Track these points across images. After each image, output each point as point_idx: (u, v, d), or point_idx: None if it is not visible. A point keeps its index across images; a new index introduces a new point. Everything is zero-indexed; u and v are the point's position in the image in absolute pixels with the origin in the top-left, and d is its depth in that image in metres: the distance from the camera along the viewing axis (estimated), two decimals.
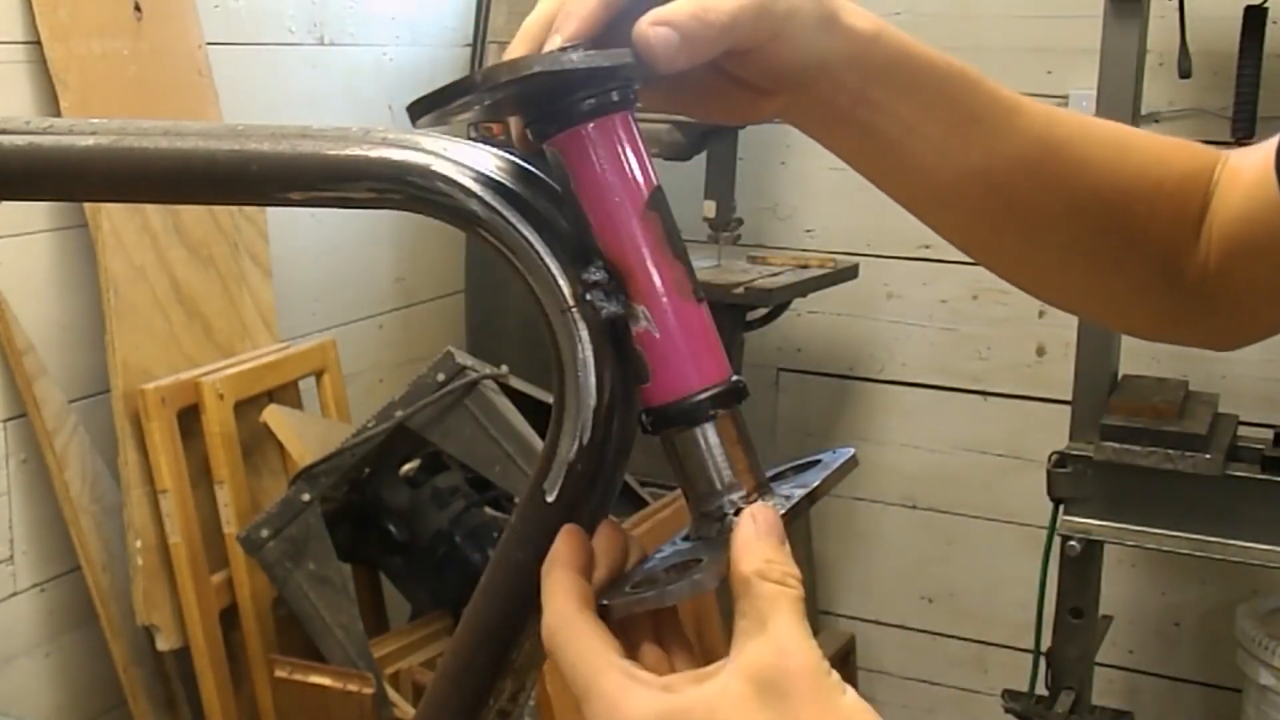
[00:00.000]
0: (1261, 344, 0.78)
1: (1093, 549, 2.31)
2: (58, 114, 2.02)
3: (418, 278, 2.91)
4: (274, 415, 2.28)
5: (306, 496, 2.13)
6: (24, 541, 2.09)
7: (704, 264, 2.62)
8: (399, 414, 2.11)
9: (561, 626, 0.53)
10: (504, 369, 2.17)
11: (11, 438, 2.05)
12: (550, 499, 0.57)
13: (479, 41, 2.90)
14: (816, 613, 3.03)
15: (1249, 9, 2.42)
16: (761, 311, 2.61)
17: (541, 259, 0.56)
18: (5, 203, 0.70)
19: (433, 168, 0.57)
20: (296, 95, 2.56)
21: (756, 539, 0.52)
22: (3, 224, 2.02)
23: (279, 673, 2.13)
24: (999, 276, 0.78)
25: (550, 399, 0.58)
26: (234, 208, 2.29)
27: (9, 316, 2.00)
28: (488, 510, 2.37)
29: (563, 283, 0.56)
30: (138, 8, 2.16)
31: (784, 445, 2.98)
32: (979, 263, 0.77)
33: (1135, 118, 2.26)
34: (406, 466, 2.36)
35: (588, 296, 0.56)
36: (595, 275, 0.56)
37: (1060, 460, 2.26)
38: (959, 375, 2.92)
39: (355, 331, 2.73)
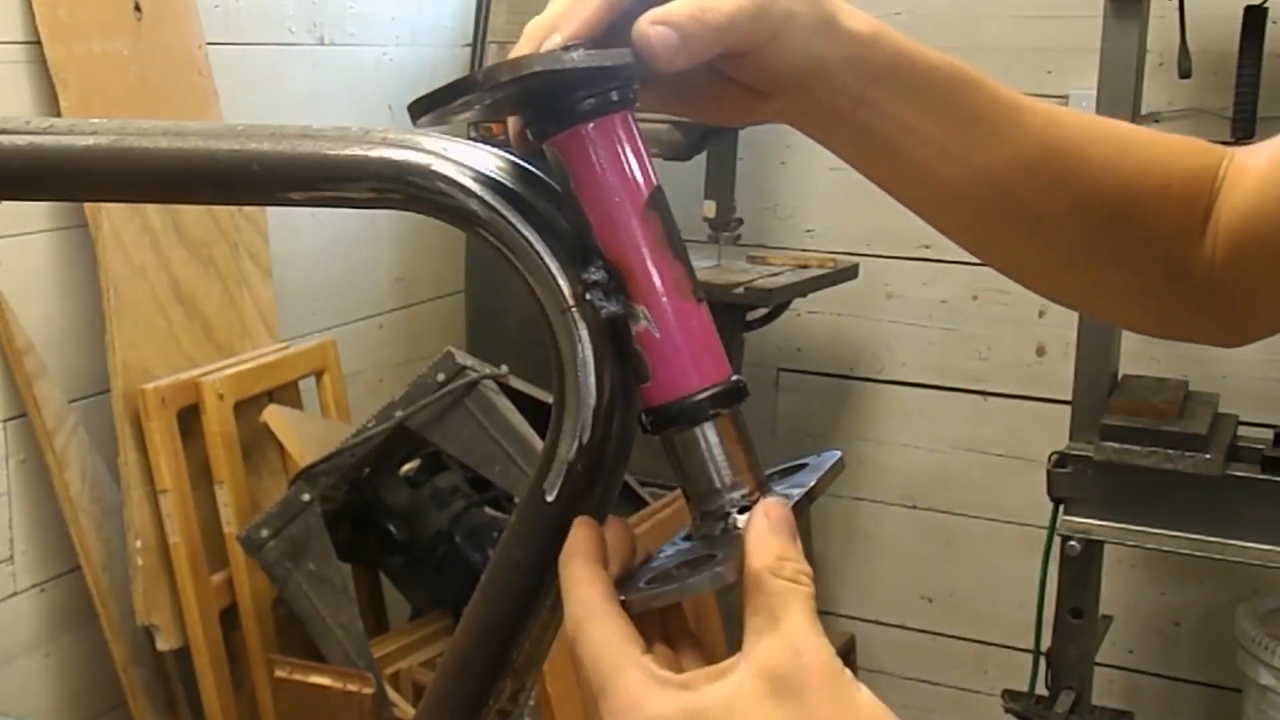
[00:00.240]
0: (1262, 344, 0.78)
1: (1093, 549, 2.31)
2: (58, 114, 2.02)
3: (418, 277, 2.91)
4: (274, 415, 2.29)
5: (306, 496, 2.13)
6: (24, 541, 2.09)
7: (704, 264, 2.62)
8: (399, 414, 2.11)
9: (588, 615, 0.53)
10: (504, 369, 2.17)
11: (11, 438, 2.05)
12: (550, 499, 0.57)
13: (479, 41, 2.90)
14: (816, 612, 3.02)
15: (1249, 9, 2.42)
16: (761, 311, 2.61)
17: (541, 259, 0.56)
18: (5, 203, 0.70)
19: (433, 167, 0.57)
20: (296, 95, 2.55)
21: (770, 534, 0.52)
22: (3, 224, 2.02)
23: (279, 673, 2.13)
24: (1003, 275, 0.78)
25: (550, 399, 0.58)
26: (234, 208, 2.29)
27: (9, 316, 1.99)
28: (488, 510, 2.37)
29: (563, 282, 0.56)
30: (138, 8, 2.16)
31: (784, 445, 2.98)
32: (983, 262, 0.77)
33: (1135, 118, 2.26)
34: (406, 466, 2.36)
35: (588, 296, 0.56)
36: (595, 275, 0.56)
37: (1060, 460, 2.26)
38: (959, 375, 2.92)
39: (355, 331, 2.73)
